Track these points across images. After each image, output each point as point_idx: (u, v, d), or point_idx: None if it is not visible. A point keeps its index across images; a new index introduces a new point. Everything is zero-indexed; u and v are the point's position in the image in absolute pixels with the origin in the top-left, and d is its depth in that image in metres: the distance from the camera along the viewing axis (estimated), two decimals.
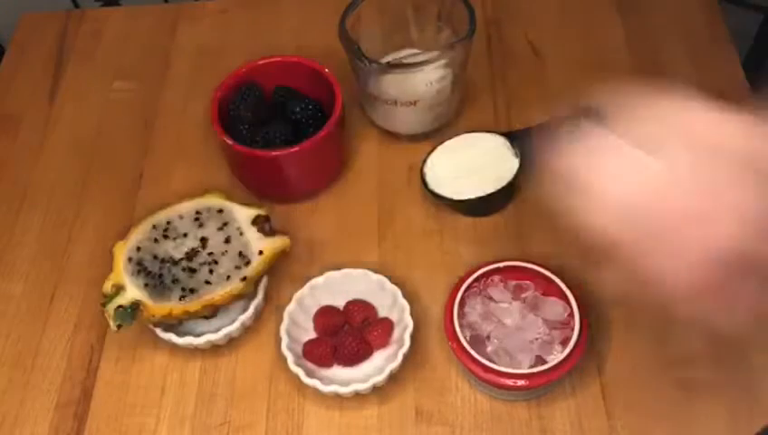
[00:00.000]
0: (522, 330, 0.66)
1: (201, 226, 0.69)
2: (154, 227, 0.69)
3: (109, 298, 0.66)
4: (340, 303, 0.71)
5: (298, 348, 0.68)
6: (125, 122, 0.88)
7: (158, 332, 0.68)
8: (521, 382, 0.62)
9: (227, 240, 0.68)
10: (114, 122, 0.88)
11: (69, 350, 0.72)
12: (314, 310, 0.71)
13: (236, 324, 0.68)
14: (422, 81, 0.75)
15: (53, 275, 0.77)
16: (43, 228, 0.80)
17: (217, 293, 0.66)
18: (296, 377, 0.66)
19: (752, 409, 0.65)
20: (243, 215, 0.70)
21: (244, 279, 0.67)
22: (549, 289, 0.68)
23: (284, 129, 0.76)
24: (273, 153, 0.73)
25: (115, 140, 0.86)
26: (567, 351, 0.63)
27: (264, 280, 0.70)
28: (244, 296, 0.68)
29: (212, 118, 0.75)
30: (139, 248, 0.68)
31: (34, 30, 0.97)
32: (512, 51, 0.90)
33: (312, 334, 0.70)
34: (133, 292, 0.66)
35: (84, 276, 0.76)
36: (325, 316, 0.70)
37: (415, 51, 0.80)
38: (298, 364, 0.66)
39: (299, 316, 0.70)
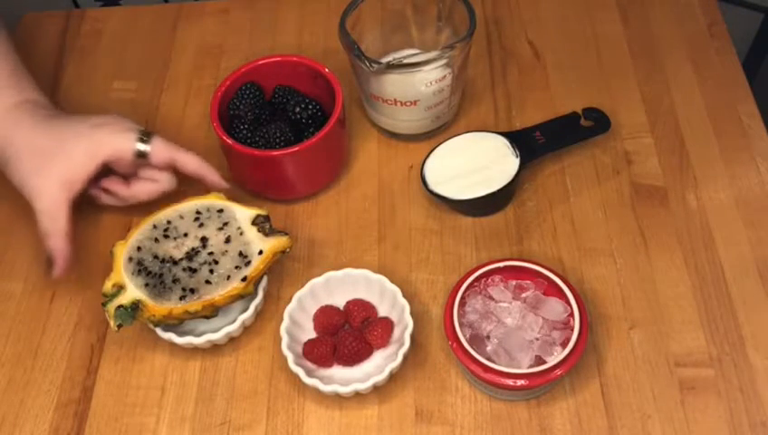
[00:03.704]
0: (522, 330, 0.66)
1: (201, 225, 0.69)
2: (154, 226, 0.69)
3: (109, 298, 0.66)
4: (340, 302, 0.71)
5: (298, 348, 0.68)
6: None
7: (159, 331, 0.68)
8: (521, 382, 0.62)
9: (228, 240, 0.68)
10: None
11: (69, 350, 0.72)
12: (314, 310, 0.71)
13: (236, 324, 0.68)
14: (422, 81, 0.75)
15: None
16: None
17: (218, 293, 0.66)
18: (296, 377, 0.66)
19: (752, 409, 0.65)
20: (243, 215, 0.70)
21: (244, 279, 0.67)
22: (549, 289, 0.68)
23: (285, 128, 0.76)
24: (274, 153, 0.73)
25: None
26: (567, 351, 0.63)
27: (264, 280, 0.70)
28: (245, 296, 0.68)
29: (212, 117, 0.75)
30: (139, 248, 0.68)
31: (35, 30, 0.97)
32: (512, 51, 0.90)
33: (312, 334, 0.70)
34: (133, 291, 0.66)
35: (84, 276, 0.76)
36: (325, 316, 0.70)
37: (415, 51, 0.81)
38: (298, 364, 0.66)
39: (299, 316, 0.70)
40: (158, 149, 0.71)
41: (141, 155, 0.70)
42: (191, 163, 0.72)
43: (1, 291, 0.76)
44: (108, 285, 0.67)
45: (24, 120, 0.70)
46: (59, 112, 0.72)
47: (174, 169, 0.73)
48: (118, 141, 0.69)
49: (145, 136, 0.71)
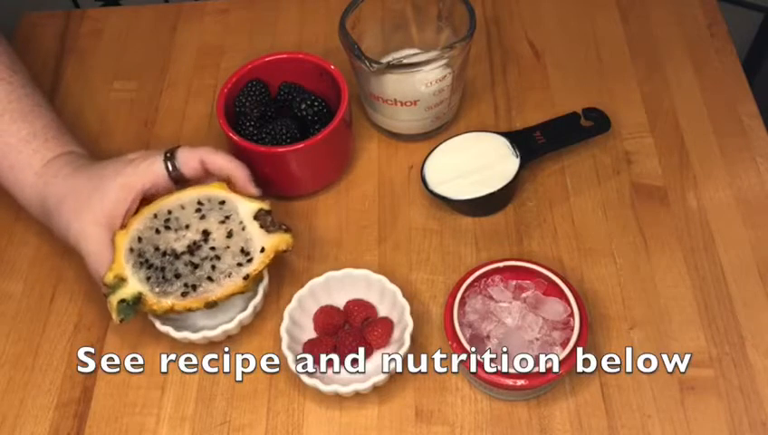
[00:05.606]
0: (522, 330, 0.66)
1: (203, 217, 0.68)
2: (155, 216, 0.68)
3: (111, 289, 0.66)
4: (340, 303, 0.71)
5: (298, 348, 0.68)
6: (125, 122, 0.88)
7: (157, 324, 0.68)
8: (521, 382, 0.62)
9: (229, 234, 0.68)
10: (114, 122, 0.88)
11: (69, 350, 0.72)
12: (314, 310, 0.71)
13: (234, 323, 0.68)
14: (422, 81, 0.75)
15: (53, 275, 0.77)
16: (43, 228, 0.79)
17: (218, 290, 0.66)
18: (296, 377, 0.66)
19: (752, 409, 0.65)
20: (245, 208, 0.69)
21: (246, 277, 0.66)
22: (549, 289, 0.68)
23: (291, 125, 0.76)
24: (280, 149, 0.73)
25: (115, 139, 0.86)
26: (567, 351, 0.63)
27: (265, 280, 0.70)
28: (245, 293, 0.67)
29: (218, 114, 0.75)
30: (140, 239, 0.67)
31: (35, 30, 0.97)
32: (512, 51, 0.90)
33: (312, 334, 0.70)
34: (135, 285, 0.66)
35: (84, 276, 0.75)
36: (325, 316, 0.70)
37: (415, 51, 0.81)
38: (298, 364, 0.66)
39: (299, 316, 0.70)
40: (185, 157, 0.70)
41: (173, 171, 0.70)
42: (219, 160, 0.71)
43: (1, 291, 0.76)
44: (109, 276, 0.66)
45: (61, 169, 0.70)
46: (96, 160, 0.72)
47: (208, 174, 0.72)
48: (146, 168, 0.69)
49: (170, 152, 0.70)
